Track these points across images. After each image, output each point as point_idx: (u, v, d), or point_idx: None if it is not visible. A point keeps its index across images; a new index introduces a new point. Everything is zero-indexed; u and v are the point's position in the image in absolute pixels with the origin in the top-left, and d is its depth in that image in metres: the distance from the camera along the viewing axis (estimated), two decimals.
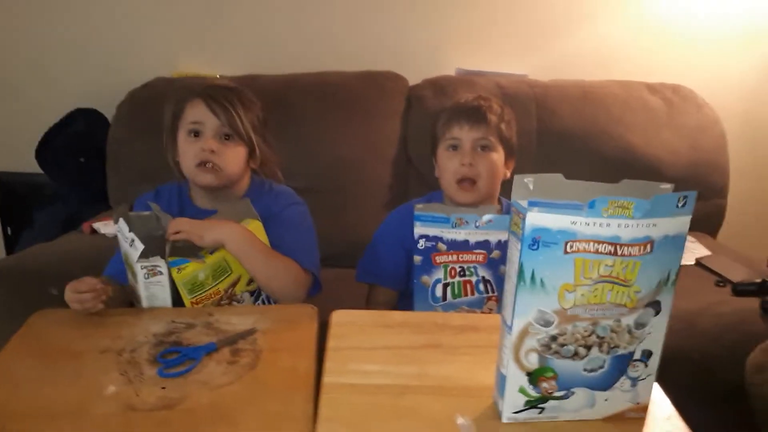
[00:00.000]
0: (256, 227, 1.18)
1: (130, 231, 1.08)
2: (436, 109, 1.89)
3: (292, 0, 2.09)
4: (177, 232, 1.11)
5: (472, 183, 1.28)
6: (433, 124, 1.37)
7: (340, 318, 1.03)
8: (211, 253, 1.13)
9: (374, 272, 1.37)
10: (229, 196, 1.27)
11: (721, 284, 1.60)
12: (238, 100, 1.24)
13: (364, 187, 1.92)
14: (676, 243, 0.70)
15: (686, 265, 1.71)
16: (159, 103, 1.83)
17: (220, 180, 1.23)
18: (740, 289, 1.54)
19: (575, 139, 1.90)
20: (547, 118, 1.91)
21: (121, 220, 1.10)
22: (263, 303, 1.21)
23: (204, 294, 1.12)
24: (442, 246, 1.18)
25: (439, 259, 1.18)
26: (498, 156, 1.30)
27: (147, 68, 2.03)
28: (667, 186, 0.72)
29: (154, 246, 1.09)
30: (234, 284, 1.16)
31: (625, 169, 1.87)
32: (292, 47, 2.12)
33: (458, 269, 1.19)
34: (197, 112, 1.22)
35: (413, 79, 2.02)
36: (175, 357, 0.92)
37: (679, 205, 0.68)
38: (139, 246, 1.05)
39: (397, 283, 1.33)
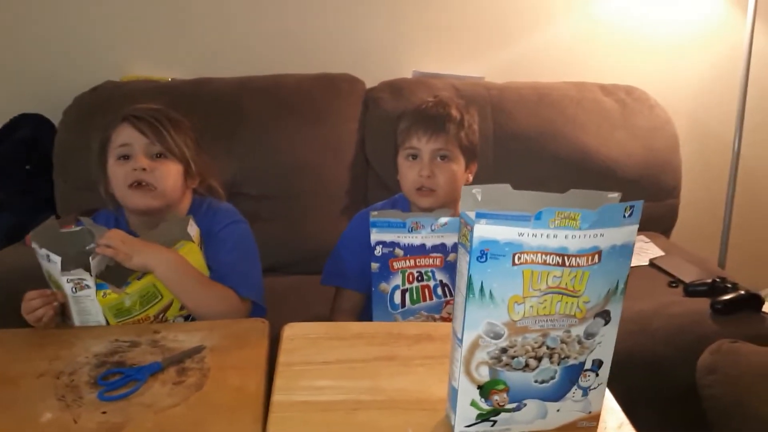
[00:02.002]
0: (189, 250, 1.13)
1: (41, 248, 1.03)
2: (393, 112, 1.87)
3: (246, 1, 2.05)
4: (108, 246, 1.06)
5: (431, 190, 1.28)
6: (394, 129, 1.35)
7: (292, 331, 1.00)
8: (139, 278, 1.08)
9: (340, 275, 1.35)
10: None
11: (673, 285, 1.62)
12: (166, 118, 1.21)
13: (322, 191, 1.89)
14: (623, 252, 0.70)
15: (640, 266, 1.73)
16: (107, 107, 1.78)
17: (156, 200, 1.18)
18: (692, 290, 1.56)
19: (531, 140, 1.91)
20: (503, 120, 1.91)
21: (32, 238, 1.05)
22: None
23: (131, 319, 1.07)
24: (399, 251, 1.17)
25: (396, 264, 1.18)
26: (458, 166, 1.30)
27: (95, 72, 1.97)
28: (614, 195, 0.72)
29: (87, 262, 1.05)
30: (165, 310, 1.11)
31: (580, 170, 1.89)
32: (245, 49, 2.08)
33: (416, 274, 1.18)
34: (124, 135, 1.19)
35: (370, 81, 2.00)
36: (118, 378, 0.88)
37: (626, 215, 0.68)
38: (56, 258, 1.01)
39: (363, 286, 1.31)
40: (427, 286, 1.19)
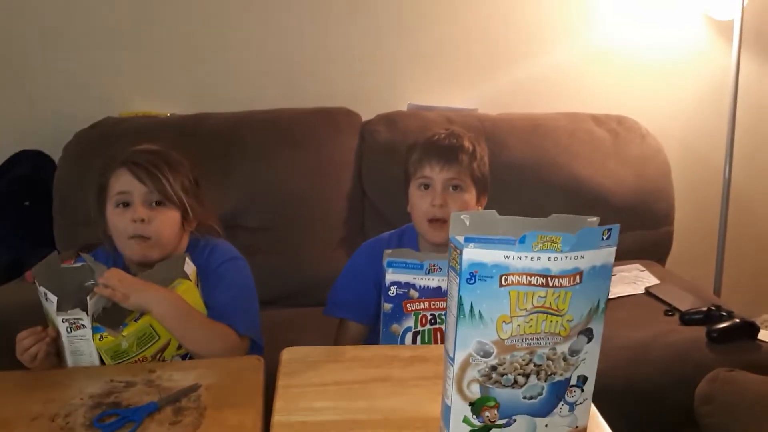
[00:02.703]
0: (186, 288, 1.13)
1: (40, 285, 1.03)
2: (388, 144, 1.92)
3: (244, 37, 2.10)
4: (106, 286, 1.06)
5: (443, 222, 1.26)
6: (405, 159, 1.35)
7: (290, 355, 1.03)
8: (136, 319, 1.08)
9: (343, 306, 1.34)
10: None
11: (669, 313, 1.62)
12: (164, 163, 1.20)
13: (320, 223, 1.92)
14: (603, 273, 0.73)
15: (636, 295, 1.74)
16: (107, 144, 1.81)
17: (155, 252, 1.18)
18: (687, 318, 1.56)
19: (524, 170, 1.94)
20: (496, 151, 1.92)
21: (33, 274, 1.05)
22: None
23: (129, 360, 1.07)
24: (414, 293, 1.16)
25: (410, 306, 1.17)
26: (470, 196, 1.29)
27: (95, 108, 1.99)
28: (594, 219, 0.75)
29: (86, 298, 1.05)
30: (163, 350, 1.10)
31: (573, 199, 1.91)
32: (244, 85, 2.12)
33: (429, 317, 1.17)
34: (123, 182, 1.18)
35: (366, 114, 2.04)
36: (114, 420, 0.87)
37: (604, 237, 0.71)
38: (52, 298, 1.01)
39: (366, 318, 1.31)
40: (440, 329, 1.17)
